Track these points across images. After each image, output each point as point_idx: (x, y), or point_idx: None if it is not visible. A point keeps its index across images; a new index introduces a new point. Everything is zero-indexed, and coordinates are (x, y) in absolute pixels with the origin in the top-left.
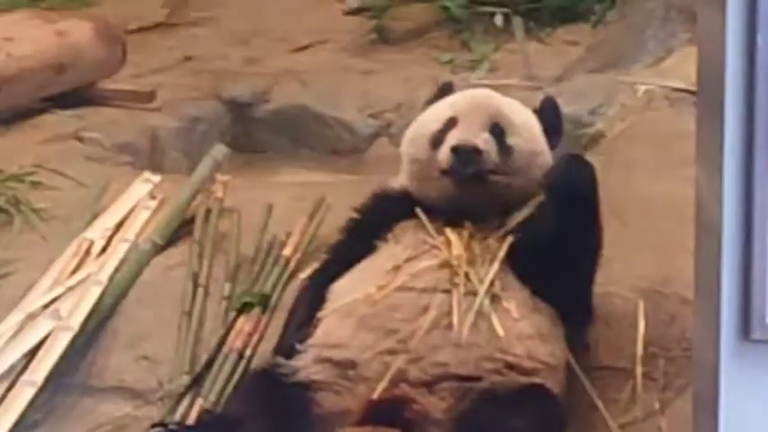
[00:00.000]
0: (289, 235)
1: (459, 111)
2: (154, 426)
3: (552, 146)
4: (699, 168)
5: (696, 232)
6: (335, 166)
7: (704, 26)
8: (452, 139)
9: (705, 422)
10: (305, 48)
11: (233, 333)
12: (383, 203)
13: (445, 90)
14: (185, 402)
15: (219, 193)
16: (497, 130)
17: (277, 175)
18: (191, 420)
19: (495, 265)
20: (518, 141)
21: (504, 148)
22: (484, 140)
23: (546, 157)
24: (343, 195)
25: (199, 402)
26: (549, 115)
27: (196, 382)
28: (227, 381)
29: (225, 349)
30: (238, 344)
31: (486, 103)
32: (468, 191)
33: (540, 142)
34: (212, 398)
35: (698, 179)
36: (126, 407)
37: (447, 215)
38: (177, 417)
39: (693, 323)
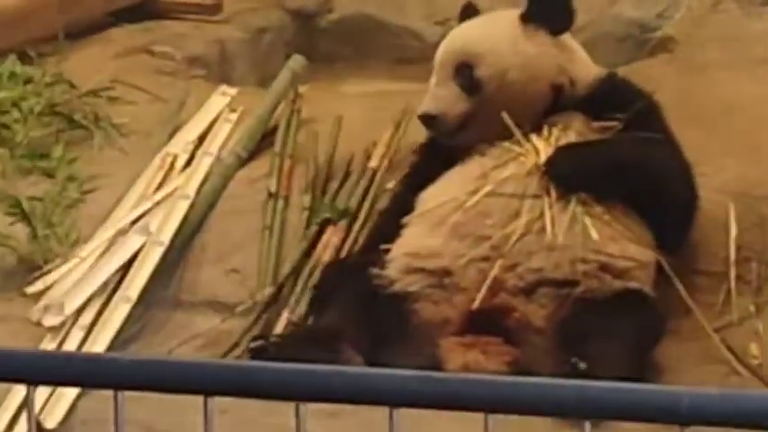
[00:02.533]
0: (374, 145)
1: (437, 62)
2: (255, 339)
3: (558, 30)
4: None
5: None
6: (404, 75)
7: None
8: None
9: None
10: None
11: (320, 245)
12: None
13: (467, 11)
14: (270, 314)
15: (299, 105)
16: (466, 70)
17: (345, 85)
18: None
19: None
20: (485, 72)
21: (474, 85)
22: (446, 95)
23: (521, 68)
24: (417, 104)
25: (285, 314)
26: (546, 4)
27: (281, 294)
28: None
29: (312, 262)
30: (326, 257)
31: (453, 45)
32: (457, 138)
33: (516, 53)
34: (300, 310)
35: None
36: (219, 320)
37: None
38: (262, 329)
39: None
